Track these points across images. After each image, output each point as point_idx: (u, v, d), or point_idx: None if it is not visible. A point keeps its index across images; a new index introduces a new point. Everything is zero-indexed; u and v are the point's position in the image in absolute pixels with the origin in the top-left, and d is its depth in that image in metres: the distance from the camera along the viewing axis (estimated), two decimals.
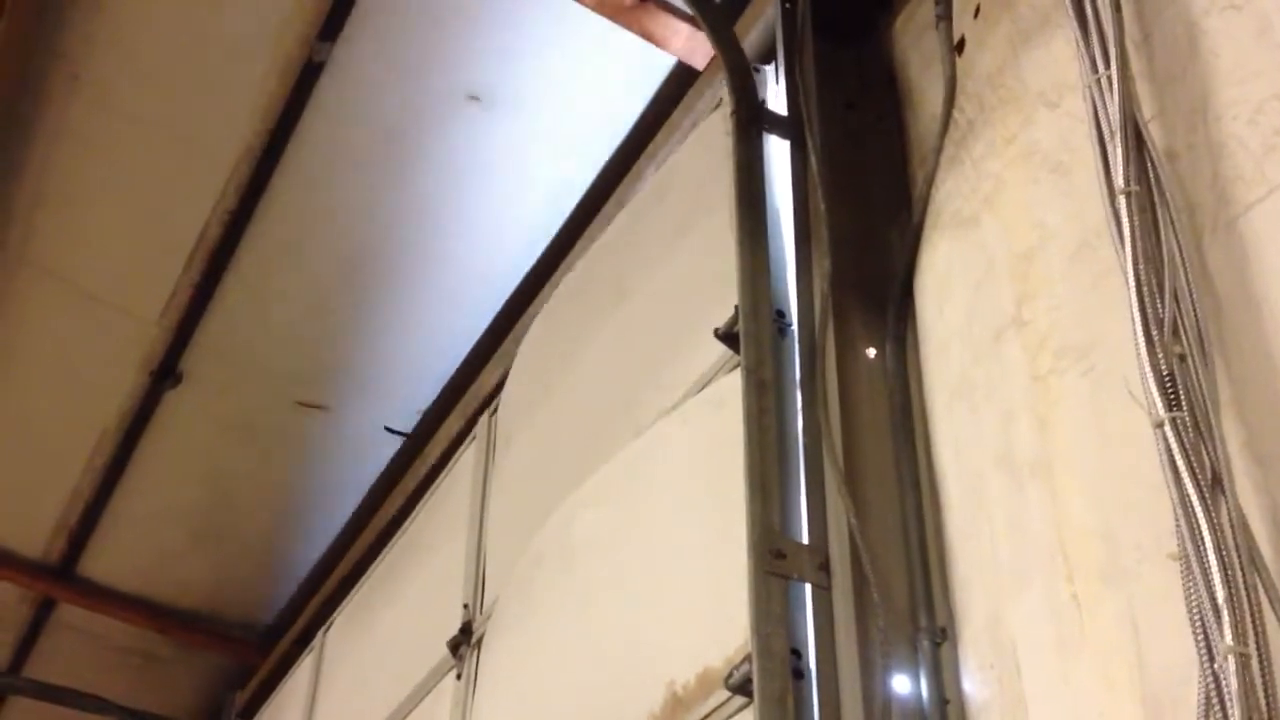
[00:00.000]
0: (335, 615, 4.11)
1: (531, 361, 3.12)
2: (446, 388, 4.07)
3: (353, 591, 4.02)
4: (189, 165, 3.55)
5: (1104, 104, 1.65)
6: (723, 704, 1.90)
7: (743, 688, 1.78)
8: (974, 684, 1.69)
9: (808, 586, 1.84)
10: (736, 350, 2.15)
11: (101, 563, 4.79)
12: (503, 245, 3.71)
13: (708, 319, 2.27)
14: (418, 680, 3.13)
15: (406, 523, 3.76)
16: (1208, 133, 1.61)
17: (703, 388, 2.28)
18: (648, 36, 2.98)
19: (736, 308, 2.16)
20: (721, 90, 2.71)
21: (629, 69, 3.26)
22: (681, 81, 3.12)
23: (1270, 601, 1.24)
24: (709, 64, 2.97)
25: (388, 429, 4.29)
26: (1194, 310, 1.46)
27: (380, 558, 3.87)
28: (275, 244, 3.77)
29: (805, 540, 1.88)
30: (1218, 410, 1.38)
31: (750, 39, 2.63)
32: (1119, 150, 1.59)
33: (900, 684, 1.75)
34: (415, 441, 4.19)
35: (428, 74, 3.35)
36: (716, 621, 1.96)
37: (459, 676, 2.88)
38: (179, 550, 4.68)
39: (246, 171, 3.55)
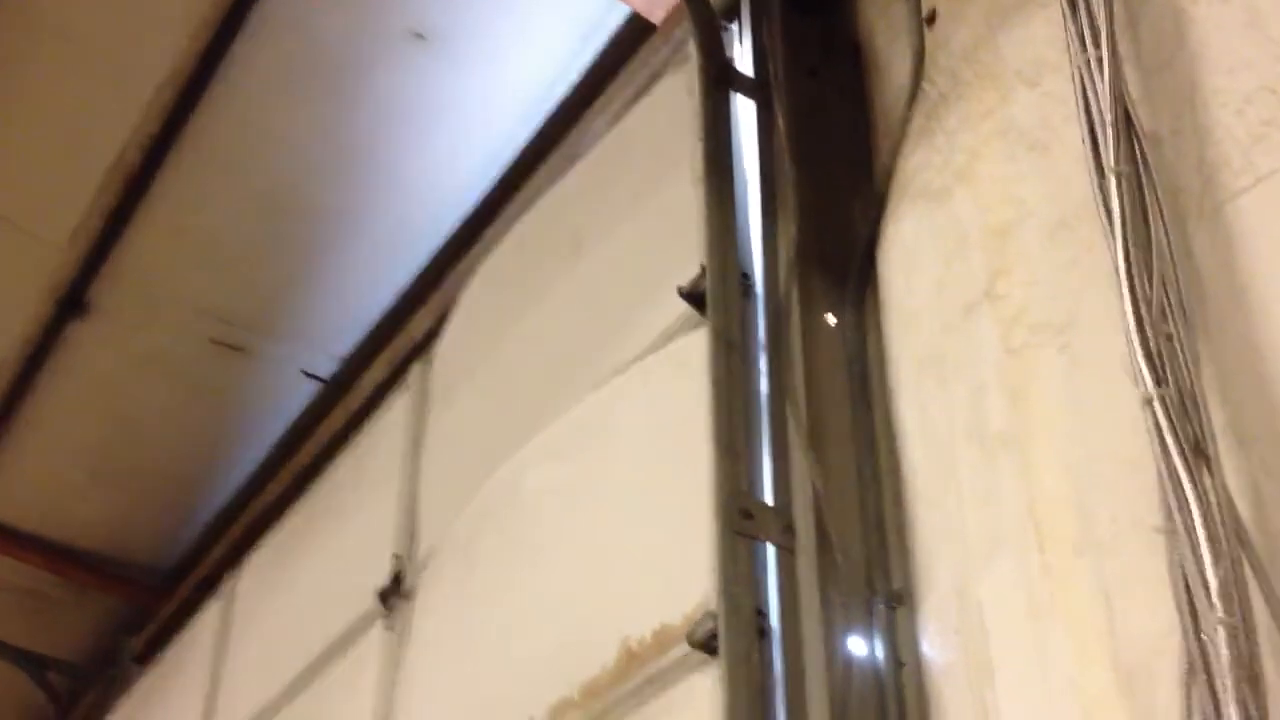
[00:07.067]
0: (246, 561, 4.01)
1: (475, 311, 3.06)
2: (370, 335, 3.98)
3: (265, 537, 3.92)
4: (111, 85, 3.39)
5: (1093, 84, 1.68)
6: (680, 660, 1.90)
7: (706, 644, 1.79)
8: (935, 648, 1.72)
9: (771, 547, 1.85)
10: (700, 310, 2.14)
11: None
12: (438, 190, 3.62)
13: (668, 276, 2.25)
14: (341, 629, 3.07)
15: (327, 470, 3.68)
16: (1195, 119, 1.64)
17: (664, 345, 2.26)
18: None
19: (703, 266, 2.14)
20: (682, 46, 2.68)
21: (582, 17, 3.20)
22: (635, 34, 3.07)
23: (1254, 574, 1.28)
24: (666, 18, 2.93)
25: (305, 373, 4.18)
26: (1179, 292, 1.50)
27: (297, 504, 3.78)
28: (197, 173, 3.62)
29: (770, 502, 1.90)
30: (1202, 388, 1.42)
31: None
32: (1109, 130, 1.61)
33: (856, 645, 1.78)
34: (335, 388, 4.09)
35: (372, 5, 3.24)
36: (674, 579, 1.96)
37: (389, 628, 2.83)
38: (79, 488, 4.50)
39: (171, 95, 3.40)
